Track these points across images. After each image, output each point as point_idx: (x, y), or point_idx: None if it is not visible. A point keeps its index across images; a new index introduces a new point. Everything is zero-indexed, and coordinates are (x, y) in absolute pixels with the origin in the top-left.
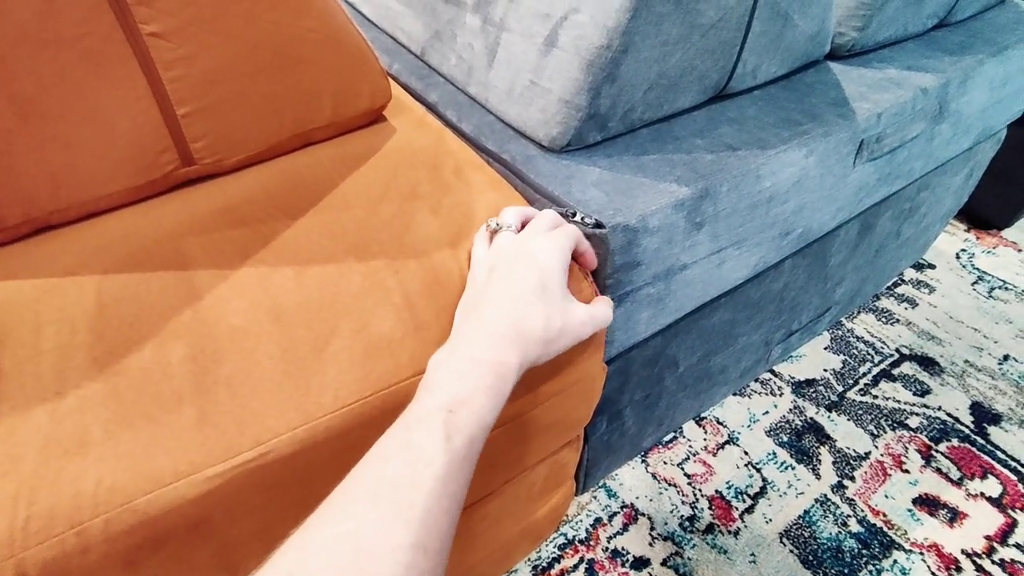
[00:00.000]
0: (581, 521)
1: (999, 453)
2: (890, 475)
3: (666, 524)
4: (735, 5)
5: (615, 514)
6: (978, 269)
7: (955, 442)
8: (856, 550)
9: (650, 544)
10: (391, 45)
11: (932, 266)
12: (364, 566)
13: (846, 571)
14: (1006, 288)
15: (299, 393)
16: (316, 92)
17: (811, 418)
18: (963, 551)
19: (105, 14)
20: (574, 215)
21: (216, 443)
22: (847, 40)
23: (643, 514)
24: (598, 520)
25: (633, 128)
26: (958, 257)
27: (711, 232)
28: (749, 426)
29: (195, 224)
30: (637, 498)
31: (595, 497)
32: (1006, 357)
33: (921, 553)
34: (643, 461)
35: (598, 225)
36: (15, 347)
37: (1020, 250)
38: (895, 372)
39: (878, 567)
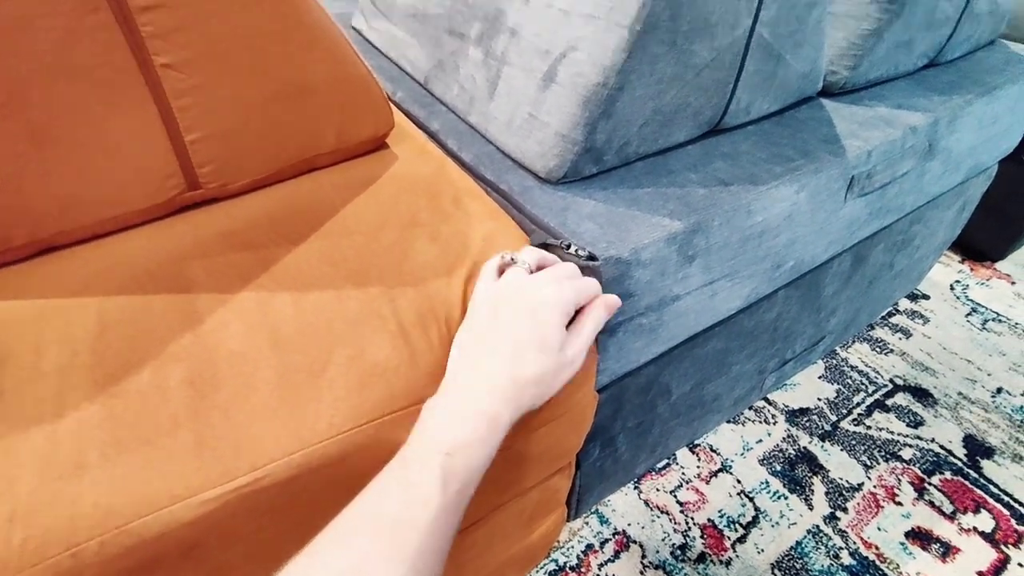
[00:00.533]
0: (572, 547)
1: (992, 487)
2: (883, 507)
3: (658, 552)
4: (728, 46)
5: (607, 541)
6: (972, 301)
7: (948, 475)
8: None
9: (641, 572)
10: (396, 73)
11: (926, 296)
12: None
13: None
14: (999, 320)
15: (295, 419)
16: (321, 121)
17: (804, 447)
18: None
19: (120, 47)
20: (568, 247)
21: (212, 467)
22: (839, 78)
23: (635, 541)
24: (589, 547)
25: (628, 161)
26: (952, 288)
27: (703, 264)
28: (742, 454)
29: (198, 247)
30: (629, 525)
31: (587, 523)
32: (999, 390)
33: None
34: (636, 487)
35: (591, 257)
36: (16, 367)
37: (1014, 282)
38: (889, 403)
39: None
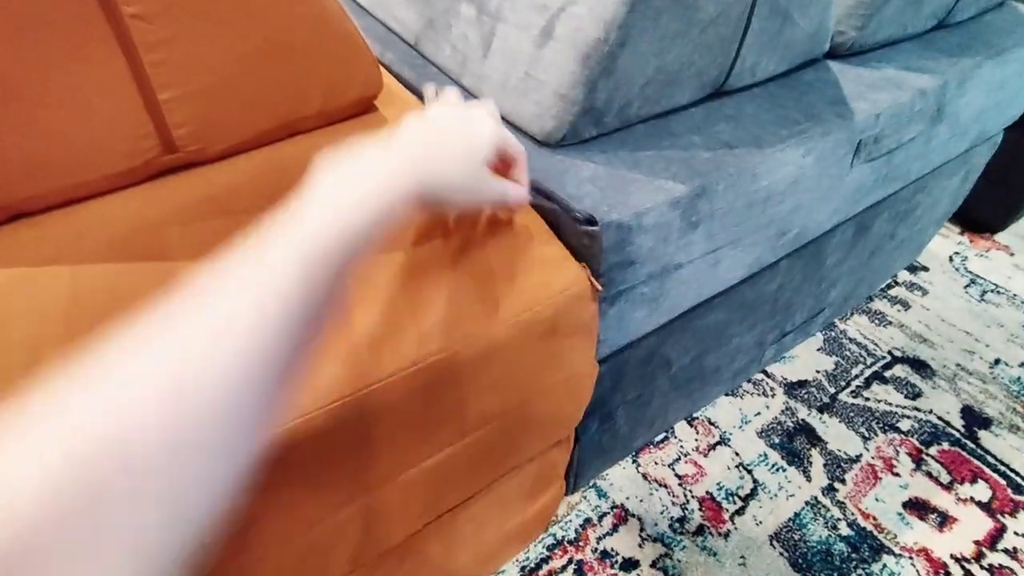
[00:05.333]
0: (571, 521)
1: (989, 457)
2: (881, 478)
3: (656, 525)
4: (734, 2)
5: (605, 514)
6: (971, 272)
7: (946, 446)
8: (846, 553)
9: (640, 545)
10: (384, 33)
11: (925, 268)
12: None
13: (836, 575)
14: (998, 292)
15: None
16: (305, 80)
17: (803, 420)
18: (952, 556)
19: None
20: (569, 210)
21: None
22: (846, 39)
23: (633, 515)
24: (588, 520)
25: (629, 123)
26: (951, 260)
27: (707, 231)
28: (741, 427)
29: (177, 214)
30: (627, 498)
31: (585, 497)
32: (997, 361)
33: (911, 557)
34: (634, 461)
35: (590, 221)
36: None
37: (1012, 254)
38: (887, 374)
39: (868, 571)
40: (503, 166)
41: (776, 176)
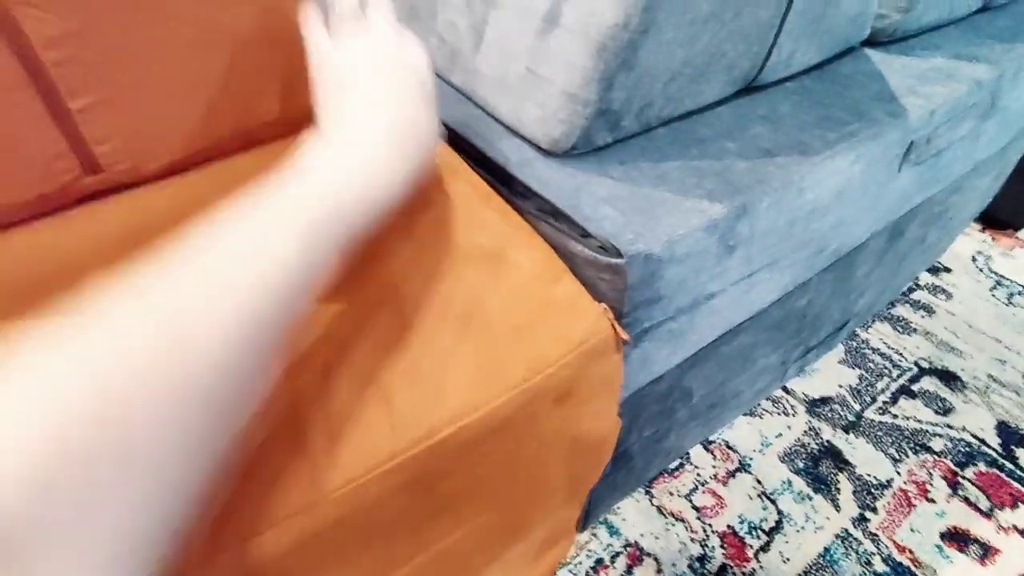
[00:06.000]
0: (580, 563)
1: None
2: (915, 505)
3: (674, 565)
4: None
5: (618, 554)
6: (995, 273)
7: (982, 467)
8: None
9: None
10: None
11: (948, 269)
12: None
13: None
14: None
15: None
16: (259, 79)
17: (828, 441)
18: None
19: None
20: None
21: None
22: (888, 24)
23: (648, 554)
24: (599, 562)
25: (650, 127)
26: (974, 260)
27: (744, 255)
28: (761, 451)
29: (102, 249)
30: (642, 535)
31: (595, 535)
32: None
33: None
34: (647, 492)
35: (614, 253)
36: None
37: None
38: (915, 388)
39: None
40: None
41: (823, 188)
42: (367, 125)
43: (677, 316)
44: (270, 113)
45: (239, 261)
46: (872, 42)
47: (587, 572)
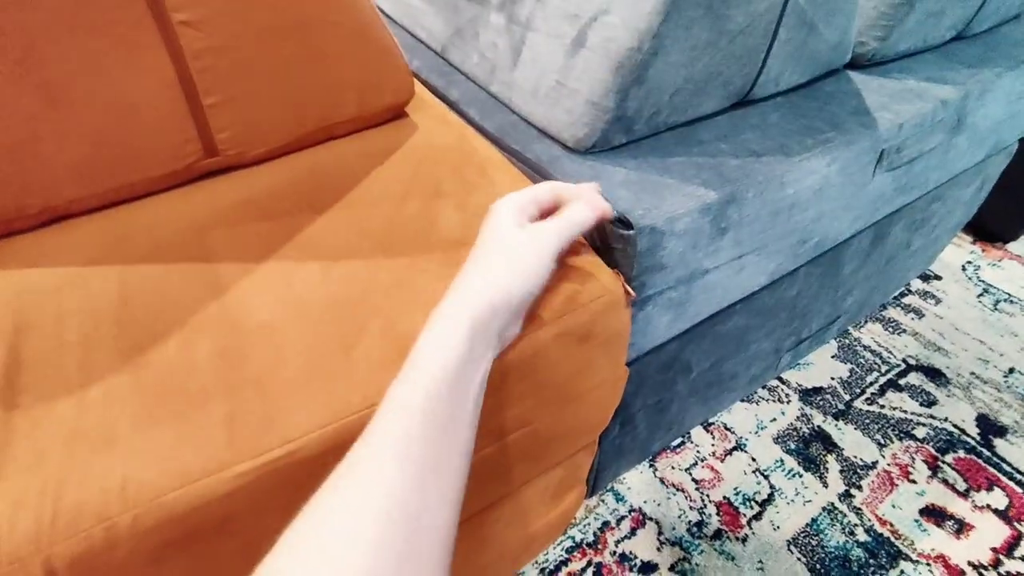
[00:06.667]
0: (589, 524)
1: (1005, 466)
2: (897, 485)
3: (674, 529)
4: (763, 12)
5: (623, 518)
6: (984, 282)
7: (961, 453)
8: (863, 559)
9: (658, 549)
10: (411, 42)
11: (938, 277)
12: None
13: None
14: (1011, 301)
15: (327, 392)
16: (341, 86)
17: (818, 426)
18: (969, 563)
19: (137, 2)
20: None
21: (245, 441)
22: (868, 50)
23: (651, 519)
24: (606, 524)
25: (657, 131)
26: (964, 269)
27: (734, 238)
28: (757, 433)
29: (219, 216)
30: (645, 502)
31: (603, 501)
32: (1011, 370)
33: (928, 564)
34: (651, 465)
35: (626, 225)
36: (38, 338)
37: None
38: (902, 382)
39: None
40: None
41: (802, 184)
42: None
43: (676, 286)
44: (347, 113)
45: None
46: (854, 65)
47: (595, 532)
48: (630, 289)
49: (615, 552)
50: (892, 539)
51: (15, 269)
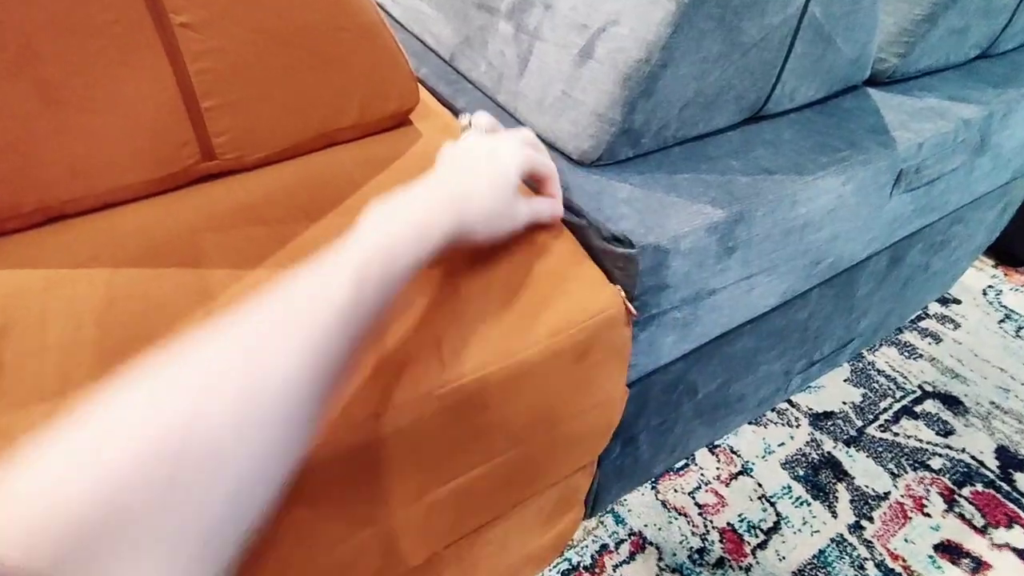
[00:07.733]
0: (587, 547)
1: None
2: (911, 518)
3: (674, 555)
4: (779, 25)
5: (622, 541)
6: (1005, 307)
7: (979, 487)
8: None
9: (657, 575)
10: (419, 49)
11: (958, 301)
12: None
13: None
14: None
15: None
16: (343, 92)
17: (828, 452)
18: None
19: (136, 2)
20: (605, 231)
21: None
22: (888, 66)
23: (651, 543)
24: (604, 547)
25: (665, 145)
26: (985, 293)
27: (743, 258)
28: (764, 457)
29: (212, 221)
30: (645, 526)
31: (602, 522)
32: None
33: None
34: (653, 487)
35: (627, 243)
36: (19, 339)
37: None
38: (917, 409)
39: None
40: (539, 186)
41: (815, 204)
42: (422, 200)
43: (681, 306)
44: (349, 120)
45: (300, 304)
46: (874, 82)
47: (592, 555)
48: (631, 307)
49: None
50: (904, 575)
51: (4, 269)
